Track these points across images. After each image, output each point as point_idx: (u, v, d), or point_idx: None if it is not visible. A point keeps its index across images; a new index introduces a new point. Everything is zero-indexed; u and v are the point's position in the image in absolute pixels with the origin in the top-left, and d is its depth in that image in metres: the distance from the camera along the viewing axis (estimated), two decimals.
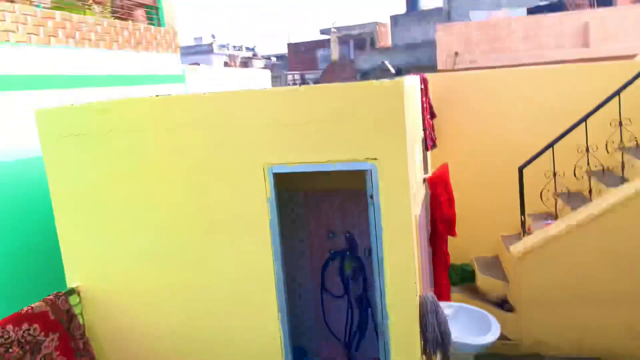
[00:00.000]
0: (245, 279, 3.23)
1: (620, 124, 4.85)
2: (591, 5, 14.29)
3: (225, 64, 40.15)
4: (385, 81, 3.02)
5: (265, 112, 3.08)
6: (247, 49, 50.79)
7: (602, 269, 4.62)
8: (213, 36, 48.66)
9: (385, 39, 27.51)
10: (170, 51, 7.20)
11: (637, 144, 5.13)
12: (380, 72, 16.50)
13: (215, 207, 3.22)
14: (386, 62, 16.85)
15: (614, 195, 4.62)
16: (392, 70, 16.02)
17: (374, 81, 3.04)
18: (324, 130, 3.03)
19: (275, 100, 3.09)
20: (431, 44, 16.23)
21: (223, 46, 46.65)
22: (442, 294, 4.28)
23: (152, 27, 6.77)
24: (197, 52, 43.10)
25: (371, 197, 3.05)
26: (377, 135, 2.98)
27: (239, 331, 3.29)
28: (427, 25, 21.18)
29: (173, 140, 3.21)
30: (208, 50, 43.63)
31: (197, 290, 3.33)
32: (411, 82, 3.95)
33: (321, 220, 4.29)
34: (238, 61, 42.34)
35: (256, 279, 3.21)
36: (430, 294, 3.15)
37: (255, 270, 3.20)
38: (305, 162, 3.09)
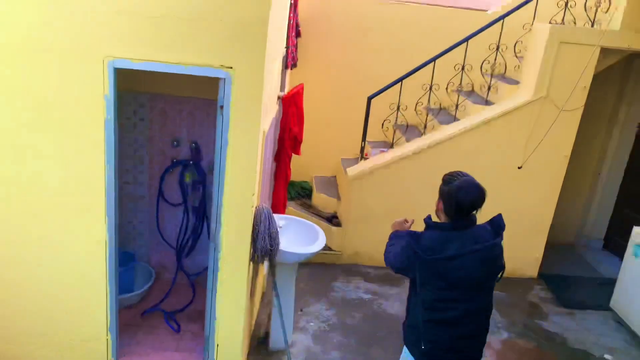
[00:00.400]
0: (72, 181, 3.00)
1: (463, 68, 5.30)
2: None
3: None
4: None
5: None
6: None
7: (419, 194, 5.21)
8: None
9: None
10: None
11: (472, 88, 5.70)
12: None
13: (42, 99, 2.87)
14: None
15: (441, 132, 5.16)
16: None
17: None
18: (179, 27, 2.80)
19: None
20: None
21: None
22: (279, 207, 4.48)
23: None
24: None
25: (221, 107, 2.98)
26: (236, 42, 2.84)
27: (61, 234, 3.10)
28: None
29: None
30: None
31: (16, 191, 3.02)
32: None
33: (167, 127, 4.09)
34: None
35: (84, 181, 2.99)
36: (266, 207, 3.28)
37: (84, 173, 2.98)
38: (153, 60, 2.86)
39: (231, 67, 2.87)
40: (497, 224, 2.64)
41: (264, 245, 3.17)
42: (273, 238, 3.21)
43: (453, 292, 2.47)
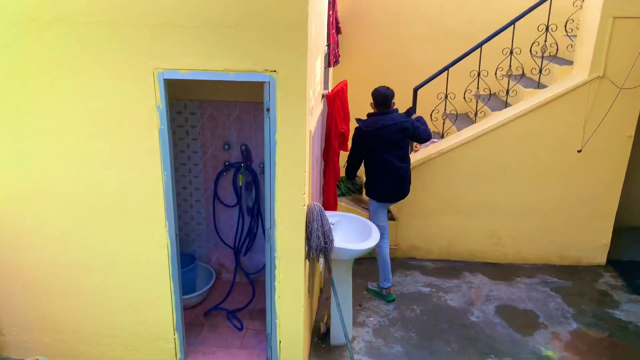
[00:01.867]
0: (131, 189, 3.16)
1: (511, 52, 5.14)
2: None
3: None
4: None
5: (156, 11, 2.87)
6: None
7: (472, 185, 5.10)
8: None
9: None
10: None
11: (522, 72, 5.51)
12: None
13: (100, 111, 3.05)
14: None
15: (492, 119, 5.02)
16: None
17: None
18: (222, 35, 2.90)
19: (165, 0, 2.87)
20: None
21: None
22: (330, 204, 4.51)
23: None
24: None
25: (267, 110, 3.05)
26: (278, 46, 2.90)
27: (124, 239, 3.27)
28: None
29: (51, 35, 2.91)
30: None
31: (79, 197, 3.22)
32: None
33: (217, 131, 4.23)
34: None
35: (143, 188, 3.15)
36: (317, 204, 3.31)
37: (142, 181, 3.14)
38: (200, 69, 2.97)
39: (275, 71, 2.92)
40: (407, 111, 4.43)
41: (318, 243, 3.21)
42: (327, 235, 3.24)
43: (387, 149, 4.28)
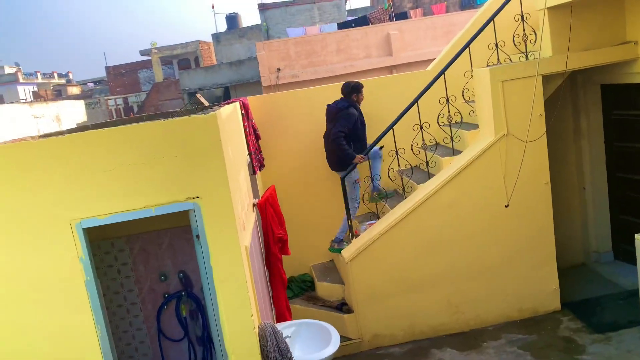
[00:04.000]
0: (65, 351, 2.90)
1: (421, 127, 5.44)
2: (390, 19, 15.91)
3: (36, 94, 36.19)
4: (199, 116, 2.96)
5: (66, 161, 2.80)
6: (60, 75, 46.36)
7: (419, 257, 5.13)
8: (17, 64, 43.49)
9: (210, 57, 27.34)
10: None
11: (436, 142, 5.83)
12: (197, 104, 16.24)
13: (18, 275, 2.83)
14: (199, 96, 16.68)
15: (420, 192, 5.18)
16: (206, 103, 15.94)
17: (187, 117, 2.96)
18: (136, 173, 2.86)
19: (76, 147, 2.83)
20: (254, 60, 16.55)
21: (30, 74, 41.95)
22: (284, 314, 4.35)
23: None
24: None
25: (197, 236, 2.97)
26: (196, 172, 2.90)
27: None
28: (248, 42, 21.56)
29: None
30: (12, 80, 38.94)
31: None
32: (229, 110, 3.94)
33: (150, 264, 4.05)
34: (50, 90, 38.42)
35: (77, 348, 2.89)
36: (269, 323, 3.18)
37: (76, 339, 2.89)
38: (119, 211, 2.88)
39: (197, 197, 2.89)
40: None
41: None
42: (284, 354, 3.08)
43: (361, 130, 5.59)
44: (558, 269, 5.28)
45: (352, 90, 5.63)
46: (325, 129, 5.76)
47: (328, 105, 5.69)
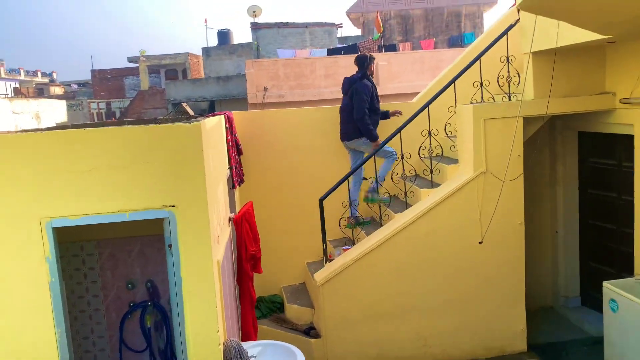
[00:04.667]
0: (23, 352, 2.78)
1: (402, 157, 5.50)
2: (379, 50, 16.20)
3: (17, 91, 35.60)
4: (183, 124, 2.94)
5: (42, 157, 2.74)
6: (44, 74, 45.75)
7: (392, 287, 5.13)
8: (0, 59, 42.84)
9: (198, 71, 27.36)
10: None
11: (416, 173, 5.89)
12: (182, 113, 16.23)
13: None
14: (185, 105, 16.66)
15: (397, 221, 5.21)
16: (192, 113, 15.93)
17: (171, 124, 2.93)
18: (113, 177, 2.81)
19: (54, 144, 2.76)
20: (243, 77, 16.62)
21: (13, 70, 41.31)
22: (250, 333, 4.28)
23: None
24: None
25: (170, 246, 2.92)
26: (174, 181, 2.86)
27: None
28: (238, 59, 21.67)
29: None
30: None
31: None
32: (214, 122, 3.92)
33: (118, 270, 3.95)
34: (32, 88, 37.86)
35: (36, 350, 2.78)
36: (235, 340, 3.12)
37: (34, 341, 2.78)
38: (92, 213, 2.82)
39: (173, 205, 2.85)
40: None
41: None
42: None
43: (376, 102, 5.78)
44: (526, 310, 5.33)
45: (369, 61, 5.79)
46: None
47: (345, 78, 5.90)
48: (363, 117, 5.53)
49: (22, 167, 2.72)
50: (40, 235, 2.75)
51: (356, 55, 6.09)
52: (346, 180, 5.45)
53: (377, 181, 5.57)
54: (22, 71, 41.82)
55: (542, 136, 5.71)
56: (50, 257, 2.77)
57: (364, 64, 5.76)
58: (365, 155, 5.66)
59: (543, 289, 6.23)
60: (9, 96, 30.59)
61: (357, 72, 5.82)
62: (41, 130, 3.17)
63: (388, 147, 5.56)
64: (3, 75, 38.56)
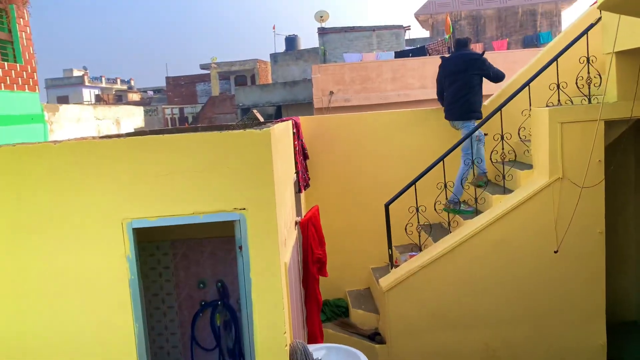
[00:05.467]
0: (101, 344, 2.96)
1: (473, 162, 5.35)
2: (448, 52, 15.85)
3: (98, 98, 38.07)
4: (254, 130, 3.02)
5: (123, 162, 2.91)
6: (123, 81, 48.64)
7: (460, 295, 4.99)
8: (85, 67, 45.99)
9: (266, 76, 28.02)
10: (27, 89, 6.64)
11: (487, 180, 5.70)
12: (252, 119, 16.64)
13: (67, 266, 2.94)
14: (255, 112, 17.06)
15: (468, 227, 5.06)
16: (261, 119, 16.28)
17: (242, 131, 3.03)
18: (189, 180, 2.93)
19: (134, 150, 2.93)
20: (309, 82, 16.83)
21: (96, 78, 44.24)
22: (315, 335, 4.31)
23: (6, 63, 6.23)
24: (67, 84, 40.44)
25: (240, 247, 3.00)
26: (245, 185, 2.94)
27: None
28: (304, 64, 21.98)
29: (17, 195, 2.90)
30: (79, 82, 41.16)
31: (52, 354, 2.98)
32: (282, 128, 4.01)
33: (191, 270, 4.12)
34: (112, 94, 40.35)
35: (114, 343, 2.95)
36: (301, 342, 3.15)
37: (114, 335, 2.95)
38: (169, 215, 2.96)
39: (244, 208, 2.93)
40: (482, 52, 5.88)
41: None
42: None
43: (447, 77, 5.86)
44: (607, 324, 5.01)
45: (470, 42, 6.02)
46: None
47: (450, 57, 5.96)
48: (499, 74, 5.61)
49: (107, 172, 2.90)
50: (122, 235, 2.92)
51: (457, 38, 6.19)
52: (413, 185, 5.37)
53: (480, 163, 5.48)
54: (103, 79, 44.68)
55: (626, 140, 5.36)
56: (130, 256, 2.93)
57: (468, 43, 6.02)
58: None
59: (626, 302, 5.84)
60: (92, 103, 32.79)
61: (458, 51, 5.94)
62: (121, 136, 3.38)
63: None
64: (87, 83, 41.37)
